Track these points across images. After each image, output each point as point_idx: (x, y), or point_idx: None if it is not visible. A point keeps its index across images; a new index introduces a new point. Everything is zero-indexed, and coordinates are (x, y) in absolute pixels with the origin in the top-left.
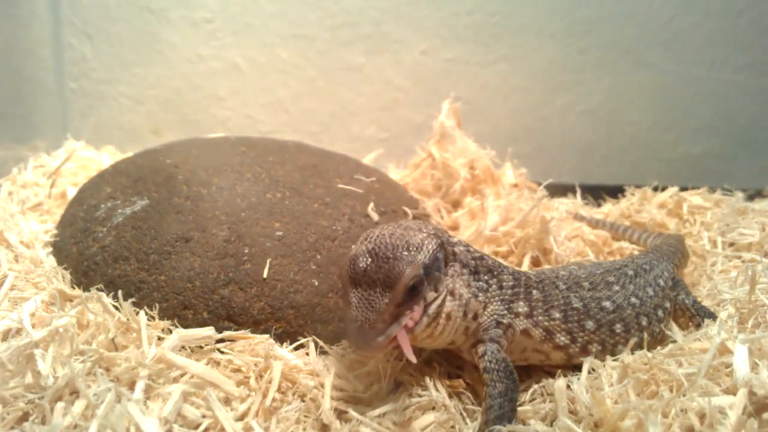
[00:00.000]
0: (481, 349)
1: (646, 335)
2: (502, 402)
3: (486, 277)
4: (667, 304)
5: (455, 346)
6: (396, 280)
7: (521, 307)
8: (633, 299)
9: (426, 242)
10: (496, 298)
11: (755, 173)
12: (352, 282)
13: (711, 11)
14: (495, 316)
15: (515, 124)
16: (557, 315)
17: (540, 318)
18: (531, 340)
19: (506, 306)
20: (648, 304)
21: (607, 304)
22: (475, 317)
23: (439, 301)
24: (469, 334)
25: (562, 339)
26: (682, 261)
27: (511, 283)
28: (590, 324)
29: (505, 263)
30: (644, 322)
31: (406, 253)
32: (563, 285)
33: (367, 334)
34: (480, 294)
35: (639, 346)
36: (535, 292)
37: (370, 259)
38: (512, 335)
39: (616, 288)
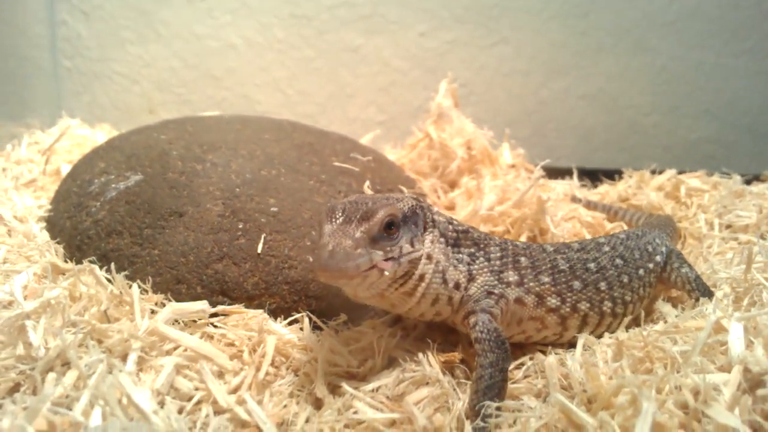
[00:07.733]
0: (472, 319)
1: (628, 292)
2: (493, 372)
3: (471, 250)
4: (651, 266)
5: (443, 319)
6: (373, 214)
7: (511, 276)
8: (618, 260)
9: (405, 199)
10: (485, 270)
11: (754, 158)
12: (328, 218)
13: None
14: (485, 287)
15: (514, 107)
16: (546, 279)
17: (531, 284)
18: (525, 308)
19: (496, 277)
20: (631, 265)
21: (591, 265)
22: (457, 287)
23: (413, 255)
24: (455, 304)
25: (552, 301)
26: (673, 234)
27: (498, 254)
28: (577, 284)
29: (493, 236)
30: (625, 280)
31: (385, 201)
32: (551, 248)
33: (338, 256)
34: (460, 265)
35: (632, 314)
36: (522, 259)
37: (349, 204)
38: (506, 305)
39: (606, 249)
